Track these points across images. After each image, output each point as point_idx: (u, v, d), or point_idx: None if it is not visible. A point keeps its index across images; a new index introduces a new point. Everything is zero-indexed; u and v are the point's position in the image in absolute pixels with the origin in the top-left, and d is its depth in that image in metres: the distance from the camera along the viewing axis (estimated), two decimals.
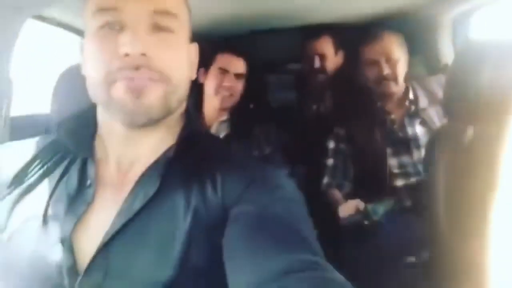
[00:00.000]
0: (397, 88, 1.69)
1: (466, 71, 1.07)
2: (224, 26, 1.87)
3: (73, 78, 1.01)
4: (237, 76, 1.66)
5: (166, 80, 0.63)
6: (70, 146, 0.68)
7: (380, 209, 1.36)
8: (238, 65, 1.66)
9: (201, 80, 1.69)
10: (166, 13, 0.63)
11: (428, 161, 1.27)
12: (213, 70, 1.65)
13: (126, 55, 0.59)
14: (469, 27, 1.85)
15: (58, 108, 1.03)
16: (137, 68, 0.60)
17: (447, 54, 1.95)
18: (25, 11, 0.95)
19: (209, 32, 1.83)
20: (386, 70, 1.64)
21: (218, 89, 1.63)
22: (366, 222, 1.39)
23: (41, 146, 0.71)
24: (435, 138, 1.27)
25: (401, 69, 1.68)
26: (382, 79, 1.66)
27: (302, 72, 2.12)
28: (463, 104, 1.10)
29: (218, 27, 1.83)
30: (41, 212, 0.62)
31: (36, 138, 0.74)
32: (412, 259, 1.40)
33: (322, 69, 1.91)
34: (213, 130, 1.67)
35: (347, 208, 1.51)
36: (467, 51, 1.13)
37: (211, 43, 1.64)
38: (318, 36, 1.91)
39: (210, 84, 1.66)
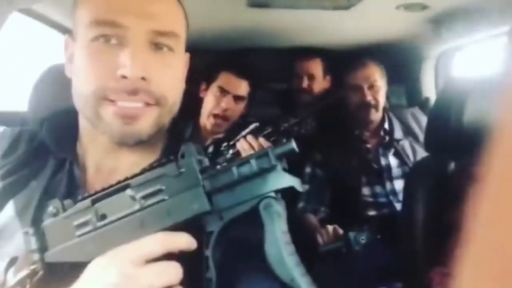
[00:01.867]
0: (377, 115, 1.72)
1: (449, 106, 1.10)
2: (215, 40, 1.86)
3: (55, 78, 0.97)
4: (237, 98, 1.57)
5: (162, 103, 0.60)
6: (53, 149, 0.65)
7: (363, 239, 1.34)
8: (240, 87, 1.57)
9: (202, 95, 1.63)
10: (169, 33, 0.60)
11: (407, 194, 1.28)
12: (214, 88, 1.57)
13: (124, 77, 0.56)
14: (452, 63, 1.91)
15: (36, 107, 0.98)
16: (134, 92, 0.56)
17: (428, 87, 2.00)
18: (14, 2, 0.90)
19: (200, 45, 1.82)
20: (369, 96, 1.68)
21: (213, 109, 1.55)
22: (344, 250, 1.37)
23: (24, 139, 0.68)
24: (416, 171, 1.28)
25: (382, 97, 1.72)
26: (363, 105, 1.69)
27: (286, 91, 2.13)
28: (445, 139, 1.12)
29: (209, 41, 1.82)
30: (31, 209, 0.59)
31: (17, 130, 0.70)
32: None
33: (309, 90, 1.92)
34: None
35: (326, 235, 1.50)
36: (450, 87, 1.16)
37: (217, 58, 1.64)
38: (309, 57, 1.93)
39: (208, 102, 1.58)
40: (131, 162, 0.64)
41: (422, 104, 1.99)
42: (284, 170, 0.47)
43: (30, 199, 0.61)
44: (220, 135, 1.62)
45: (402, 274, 1.33)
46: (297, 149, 0.47)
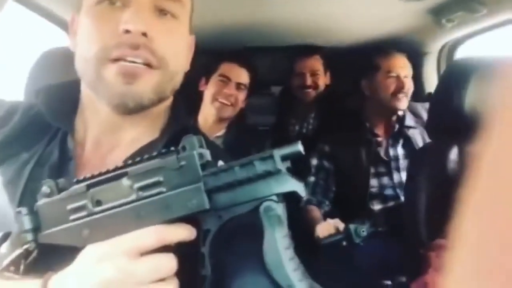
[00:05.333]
0: (406, 104, 1.70)
1: (451, 90, 1.08)
2: (218, 38, 1.86)
3: (51, 62, 0.96)
4: (239, 85, 1.62)
5: (163, 67, 0.60)
6: (47, 116, 0.63)
7: (363, 231, 1.31)
8: (241, 74, 1.63)
9: (202, 88, 1.66)
10: None
11: (410, 180, 1.25)
12: (215, 78, 1.62)
13: (127, 31, 0.56)
14: (454, 57, 1.89)
15: (32, 91, 0.97)
16: (136, 47, 0.56)
17: (430, 82, 1.98)
18: None
19: (203, 43, 1.82)
20: (406, 85, 1.67)
21: (216, 95, 1.59)
22: (344, 243, 1.34)
23: (20, 110, 0.67)
24: (418, 156, 1.26)
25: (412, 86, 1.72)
26: (400, 92, 1.66)
27: (286, 91, 2.11)
28: (447, 123, 1.10)
29: (212, 39, 1.82)
30: (22, 179, 0.58)
31: (14, 102, 0.69)
32: (387, 282, 1.37)
33: (314, 86, 1.91)
34: None
35: (326, 228, 1.47)
36: (451, 71, 1.14)
37: (215, 52, 1.66)
38: (309, 54, 1.93)
39: (209, 91, 1.62)
40: (131, 139, 0.64)
41: (425, 100, 1.97)
42: (288, 169, 0.45)
43: (21, 170, 0.60)
44: (221, 133, 1.63)
45: (406, 268, 1.30)
46: (303, 152, 0.45)
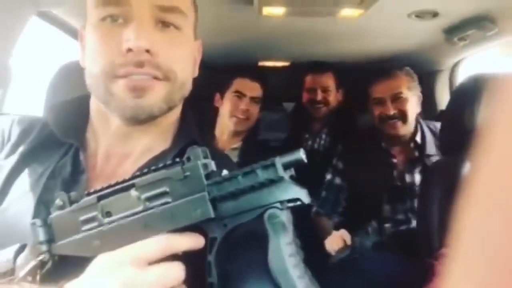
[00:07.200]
0: (405, 128, 1.57)
1: (463, 106, 1.08)
2: (231, 56, 1.90)
3: (70, 74, 0.99)
4: (253, 99, 1.67)
5: (171, 78, 0.60)
6: (58, 133, 0.65)
7: (368, 242, 1.31)
8: (254, 88, 1.68)
9: (217, 104, 1.72)
10: (173, 9, 0.61)
11: (423, 199, 1.24)
12: (229, 94, 1.68)
13: (129, 50, 0.56)
14: (466, 75, 1.89)
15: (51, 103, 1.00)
16: (140, 65, 0.57)
17: (443, 100, 1.98)
18: (37, 3, 0.94)
19: (217, 61, 1.87)
20: (392, 110, 1.55)
21: (233, 112, 1.64)
22: (355, 256, 1.33)
23: (37, 127, 0.69)
24: (431, 174, 1.25)
25: (411, 108, 1.57)
26: (387, 119, 1.56)
27: (299, 107, 2.13)
28: (459, 140, 1.10)
29: (225, 57, 1.86)
30: (37, 192, 0.60)
31: (31, 118, 0.71)
32: None
33: (325, 102, 1.92)
34: None
35: (335, 242, 1.46)
36: (463, 88, 1.14)
37: (228, 68, 1.71)
38: (322, 71, 1.94)
39: (225, 108, 1.67)
40: (142, 149, 0.64)
41: (437, 118, 1.96)
42: (292, 177, 0.46)
43: (36, 183, 0.61)
44: (237, 145, 1.65)
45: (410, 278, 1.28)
46: (305, 160, 0.45)
